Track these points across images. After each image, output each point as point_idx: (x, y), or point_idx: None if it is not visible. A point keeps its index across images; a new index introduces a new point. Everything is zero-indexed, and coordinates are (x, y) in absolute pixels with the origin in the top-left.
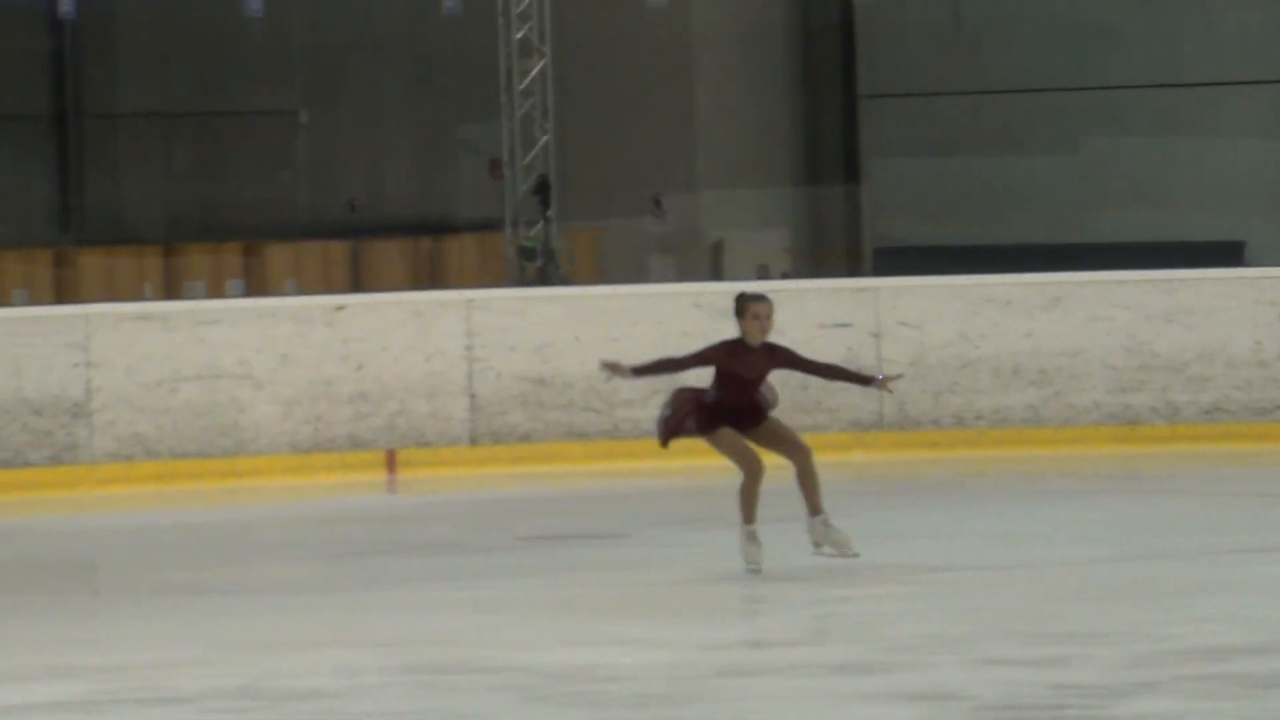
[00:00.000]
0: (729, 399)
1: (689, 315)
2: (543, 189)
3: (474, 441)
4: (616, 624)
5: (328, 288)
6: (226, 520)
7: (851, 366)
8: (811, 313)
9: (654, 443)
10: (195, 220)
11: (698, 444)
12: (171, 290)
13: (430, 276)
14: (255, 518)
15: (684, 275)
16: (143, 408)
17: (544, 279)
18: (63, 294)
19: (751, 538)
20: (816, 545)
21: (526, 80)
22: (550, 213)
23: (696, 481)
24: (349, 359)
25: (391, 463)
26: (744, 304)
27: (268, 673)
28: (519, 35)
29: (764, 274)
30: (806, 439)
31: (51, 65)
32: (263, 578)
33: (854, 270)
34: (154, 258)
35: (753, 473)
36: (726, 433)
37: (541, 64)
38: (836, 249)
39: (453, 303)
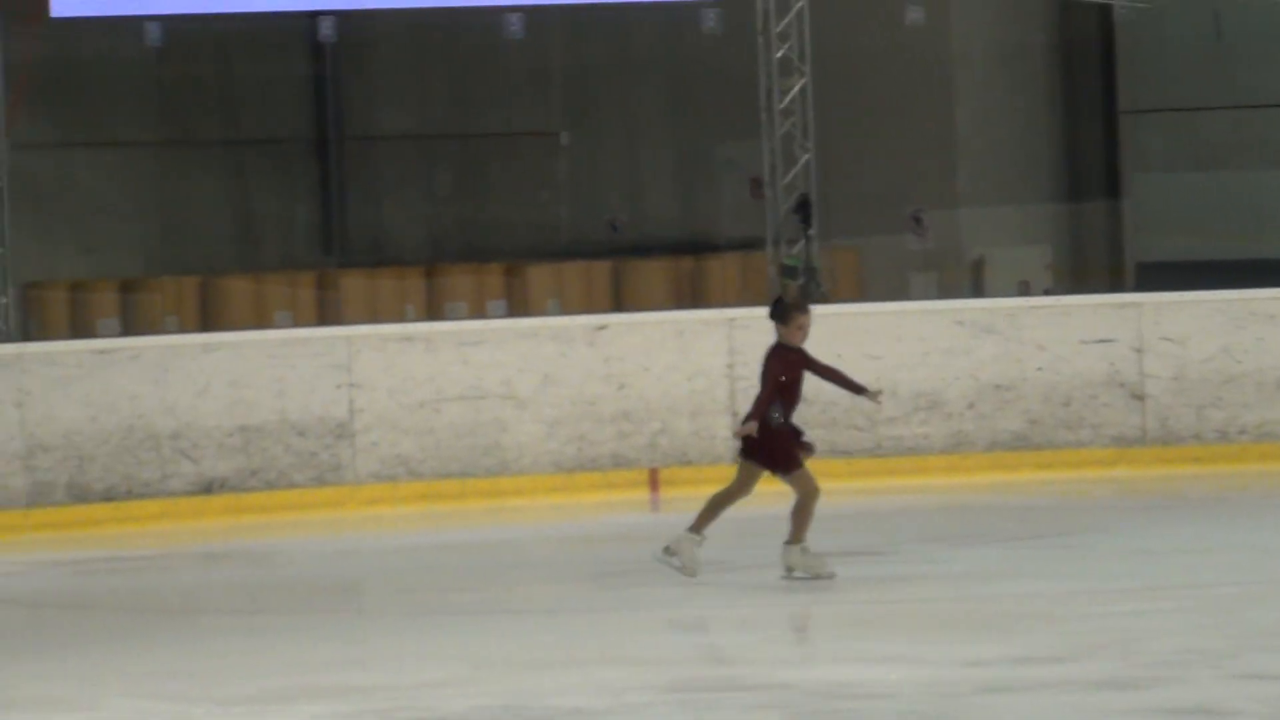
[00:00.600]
0: (788, 412)
1: (950, 332)
2: (803, 207)
3: (737, 459)
4: (879, 641)
5: (590, 307)
6: (490, 540)
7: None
8: (1074, 329)
9: (917, 460)
10: (457, 241)
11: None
12: (433, 311)
13: (692, 295)
14: (518, 537)
15: (945, 292)
16: (406, 428)
17: (805, 297)
18: (325, 316)
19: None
20: (790, 570)
21: (787, 99)
22: (811, 231)
23: (958, 499)
24: (611, 378)
25: (654, 481)
26: (790, 313)
27: (531, 691)
28: (779, 54)
29: (1025, 290)
30: (1068, 455)
31: (312, 89)
32: (526, 597)
33: (1116, 286)
34: (416, 279)
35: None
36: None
37: (801, 83)
38: (1098, 265)
39: (714, 321)
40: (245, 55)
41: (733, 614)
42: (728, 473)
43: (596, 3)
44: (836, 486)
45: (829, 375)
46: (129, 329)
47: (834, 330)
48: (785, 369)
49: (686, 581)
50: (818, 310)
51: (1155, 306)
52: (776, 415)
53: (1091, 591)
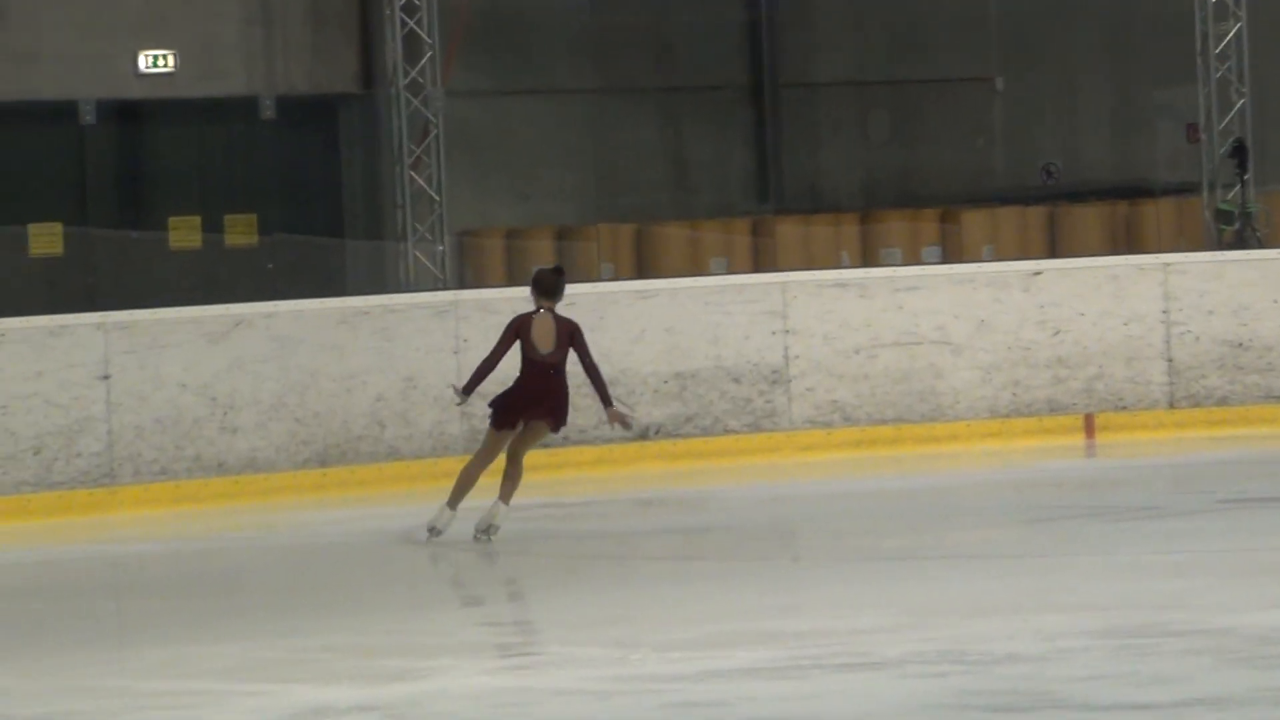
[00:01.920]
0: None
1: None
2: (1239, 152)
3: (1172, 405)
4: None
5: (1024, 253)
6: (925, 486)
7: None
8: None
9: None
10: (891, 188)
11: None
12: (868, 258)
13: (1126, 241)
14: (953, 483)
15: None
16: (841, 374)
17: (1241, 242)
18: (760, 263)
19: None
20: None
21: (1222, 44)
22: (1247, 176)
23: None
24: (1046, 324)
25: (1090, 427)
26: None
27: (967, 637)
28: None
29: None
30: None
31: (748, 35)
32: (961, 543)
33: None
34: (850, 225)
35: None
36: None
37: (1237, 27)
38: None
39: (1149, 267)
40: (680, 1)
41: (1167, 559)
42: (1163, 418)
43: None
44: (1273, 432)
45: (591, 373)
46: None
47: (1270, 275)
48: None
49: (1123, 527)
50: (1255, 254)
51: None
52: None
53: None
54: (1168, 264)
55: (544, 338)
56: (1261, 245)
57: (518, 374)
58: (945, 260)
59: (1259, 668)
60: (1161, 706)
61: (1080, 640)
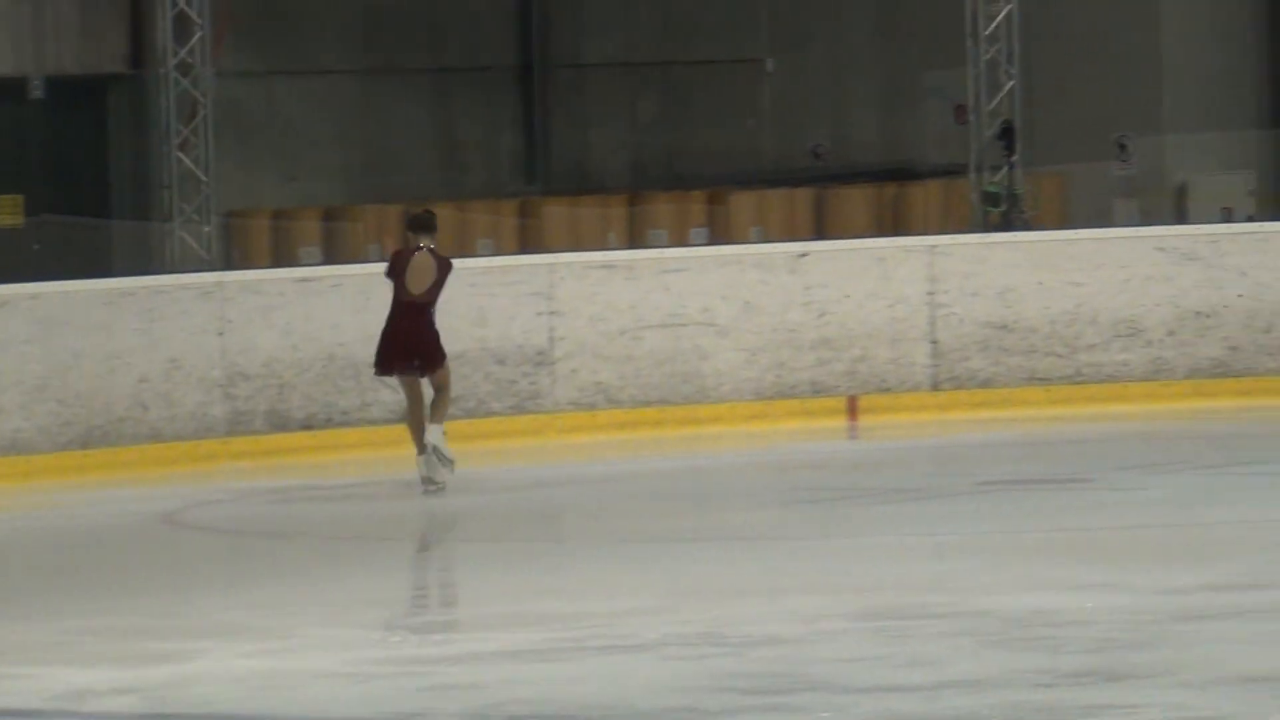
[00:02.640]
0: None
1: (1151, 259)
2: (1007, 134)
3: (935, 387)
4: (1076, 569)
5: (791, 234)
6: (687, 468)
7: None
8: (1276, 255)
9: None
10: (660, 169)
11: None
12: (635, 239)
13: (894, 223)
14: (717, 465)
15: (1147, 219)
16: (606, 356)
17: (1007, 224)
18: (527, 244)
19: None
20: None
21: (992, 25)
22: (1014, 158)
23: (1157, 426)
24: (811, 306)
25: (853, 409)
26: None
27: (727, 619)
28: None
29: (1228, 216)
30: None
31: (518, 16)
32: (723, 525)
33: None
34: (618, 207)
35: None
36: None
37: (1007, 9)
38: None
39: (915, 249)
40: None
41: (928, 542)
42: (927, 400)
43: None
44: (1036, 414)
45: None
46: (331, 257)
47: (1035, 257)
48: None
49: (885, 510)
50: (1020, 237)
51: None
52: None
53: None
54: (934, 246)
55: (420, 276)
56: (1028, 227)
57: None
58: (712, 242)
59: (1016, 650)
60: (919, 688)
61: (839, 622)
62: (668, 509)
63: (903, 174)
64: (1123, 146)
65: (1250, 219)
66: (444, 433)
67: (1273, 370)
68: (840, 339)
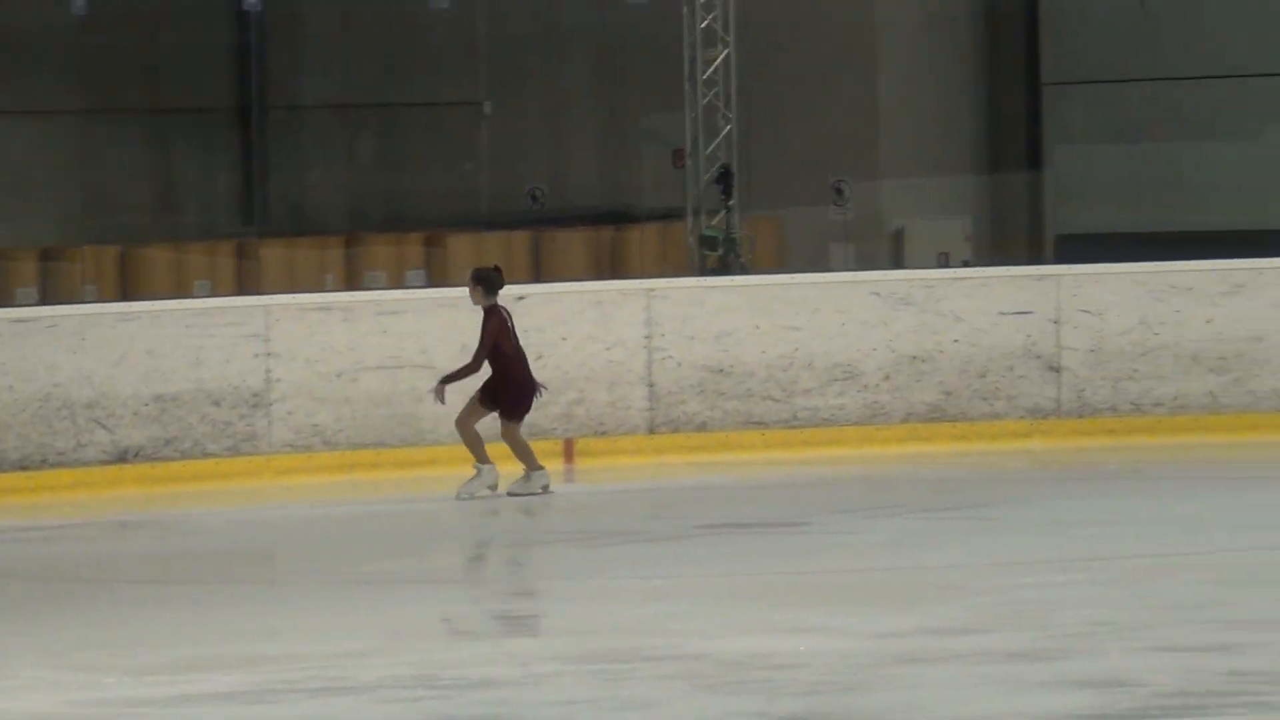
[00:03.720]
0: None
1: (868, 303)
2: (725, 178)
3: (652, 431)
4: (792, 612)
5: (509, 277)
6: (404, 511)
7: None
8: (992, 300)
9: (832, 431)
10: (377, 211)
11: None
12: (353, 281)
13: (611, 266)
14: (432, 508)
15: (864, 263)
16: (323, 398)
17: (725, 268)
18: (245, 285)
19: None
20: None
21: (710, 69)
22: (732, 201)
23: (873, 470)
24: (529, 348)
25: (569, 452)
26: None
27: (443, 661)
28: (703, 24)
29: (944, 261)
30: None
31: (236, 57)
32: (439, 567)
33: (1035, 258)
34: (336, 249)
35: None
36: None
37: (725, 53)
38: (1018, 236)
39: (633, 292)
40: (169, 23)
41: (646, 585)
42: (643, 443)
43: None
44: (752, 458)
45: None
46: (47, 298)
47: (752, 301)
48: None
49: (601, 553)
50: (737, 281)
51: (1074, 278)
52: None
53: (1005, 563)
54: (651, 289)
55: (513, 329)
56: (745, 271)
57: (510, 367)
58: (430, 284)
59: (731, 693)
60: None
61: (554, 665)
62: (384, 551)
63: (620, 217)
64: (839, 191)
65: (966, 264)
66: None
67: (987, 415)
68: (557, 381)
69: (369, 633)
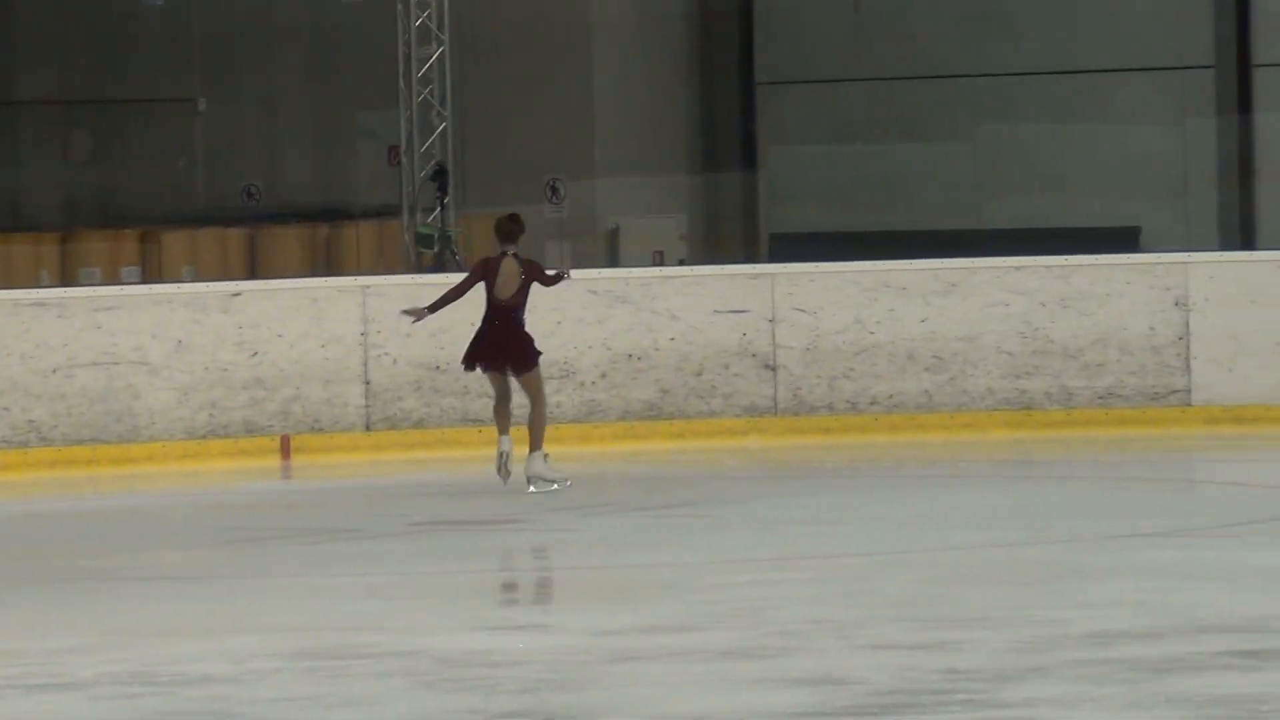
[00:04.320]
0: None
1: (584, 300)
2: (440, 175)
3: (369, 427)
4: (509, 610)
5: (224, 274)
6: (121, 506)
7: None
8: (707, 299)
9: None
10: (93, 207)
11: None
12: (68, 277)
13: (327, 263)
14: (150, 504)
15: (580, 261)
16: (38, 394)
17: (441, 265)
18: None
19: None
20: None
21: (425, 67)
22: (447, 199)
23: (591, 468)
24: (245, 345)
25: (286, 449)
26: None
27: (160, 658)
28: (417, 22)
29: (659, 260)
30: (700, 424)
31: None
32: (156, 564)
33: (750, 257)
34: (51, 245)
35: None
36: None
37: (440, 50)
38: (733, 235)
39: (349, 289)
40: None
41: (363, 582)
42: (360, 440)
43: None
44: (469, 455)
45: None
46: None
47: (468, 298)
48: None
49: (318, 550)
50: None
51: (788, 277)
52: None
53: (721, 561)
54: (366, 286)
55: (508, 282)
56: (461, 268)
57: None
58: (145, 280)
59: (449, 690)
60: None
61: (272, 662)
62: (100, 548)
63: (336, 214)
64: (555, 189)
65: (682, 262)
66: (546, 455)
67: (703, 413)
68: (273, 379)
69: (86, 629)
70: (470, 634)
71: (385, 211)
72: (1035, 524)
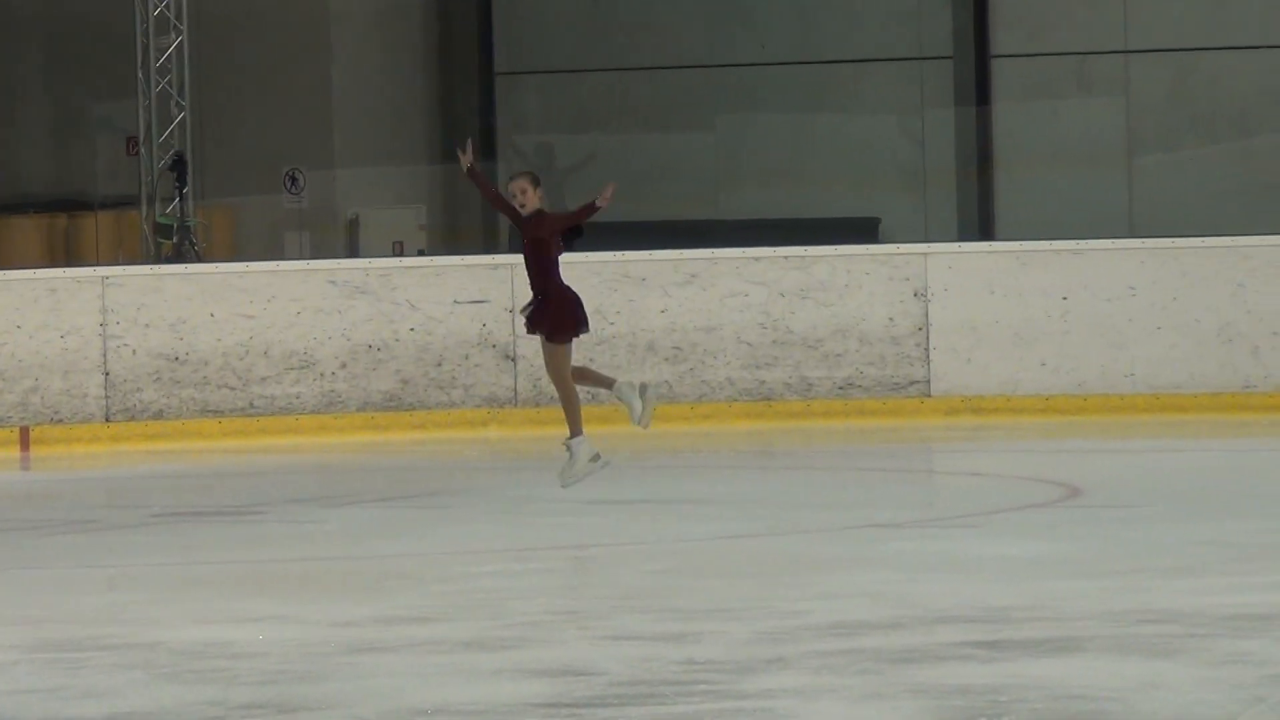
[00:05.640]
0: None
1: (324, 291)
2: (179, 166)
3: (108, 418)
4: (249, 601)
5: None
6: None
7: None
8: (448, 289)
9: (289, 420)
10: None
11: None
12: None
13: (66, 253)
14: None
15: (319, 252)
16: None
17: (180, 256)
18: None
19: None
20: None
21: (163, 57)
22: (186, 189)
23: (330, 459)
24: None
25: (25, 440)
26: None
27: None
28: (155, 12)
29: (399, 250)
30: (440, 415)
31: None
32: None
33: (489, 247)
34: None
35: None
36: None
37: (178, 40)
38: (472, 226)
39: (88, 279)
40: None
41: (100, 573)
42: (100, 431)
43: None
44: (209, 446)
45: (569, 219)
46: None
47: (207, 289)
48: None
49: (58, 541)
50: (193, 269)
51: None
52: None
53: (461, 552)
54: (106, 277)
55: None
56: (200, 259)
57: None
58: None
59: (189, 682)
60: None
61: (11, 654)
62: None
63: (74, 204)
64: (294, 179)
65: (421, 253)
66: (569, 447)
67: (443, 404)
68: (12, 370)
69: None
70: (209, 626)
71: (124, 202)
72: (775, 515)
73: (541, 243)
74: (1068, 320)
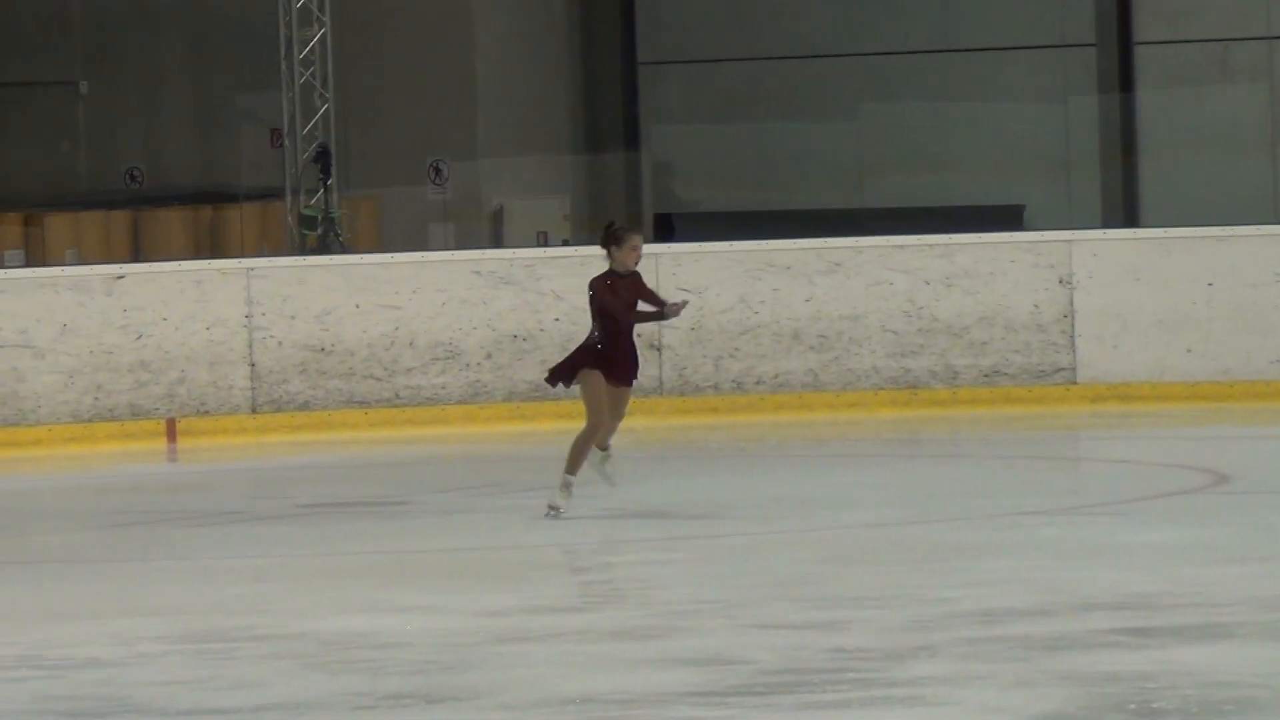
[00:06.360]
0: (606, 334)
1: (468, 282)
2: (323, 157)
3: (254, 410)
4: (395, 591)
5: (108, 257)
6: (7, 490)
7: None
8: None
9: (434, 410)
10: None
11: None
12: None
13: (211, 246)
14: (35, 487)
15: (463, 242)
16: None
17: (324, 247)
18: None
19: (568, 488)
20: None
21: (306, 49)
22: (330, 181)
23: (476, 449)
24: (129, 328)
25: (172, 431)
26: (624, 236)
27: (47, 642)
28: (299, 4)
29: (543, 241)
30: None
31: None
32: (42, 547)
33: None
34: None
35: (596, 427)
36: (597, 377)
37: (321, 32)
38: (616, 215)
39: (232, 271)
40: None
41: (250, 564)
42: (246, 422)
43: None
44: (355, 437)
45: (651, 300)
46: None
47: (352, 281)
48: (609, 293)
49: (205, 533)
50: (337, 260)
51: (672, 257)
52: (595, 333)
53: (609, 541)
54: (251, 269)
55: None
56: (344, 250)
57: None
58: (28, 264)
59: (334, 672)
60: (240, 711)
61: (159, 645)
62: None
63: (219, 197)
64: (438, 170)
65: (565, 243)
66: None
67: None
68: (158, 361)
69: None
70: (357, 616)
71: (268, 194)
72: (921, 503)
73: (631, 307)
74: (1212, 306)
